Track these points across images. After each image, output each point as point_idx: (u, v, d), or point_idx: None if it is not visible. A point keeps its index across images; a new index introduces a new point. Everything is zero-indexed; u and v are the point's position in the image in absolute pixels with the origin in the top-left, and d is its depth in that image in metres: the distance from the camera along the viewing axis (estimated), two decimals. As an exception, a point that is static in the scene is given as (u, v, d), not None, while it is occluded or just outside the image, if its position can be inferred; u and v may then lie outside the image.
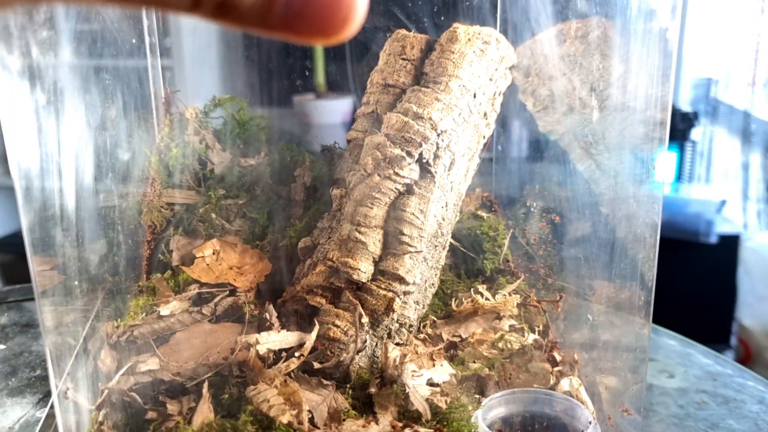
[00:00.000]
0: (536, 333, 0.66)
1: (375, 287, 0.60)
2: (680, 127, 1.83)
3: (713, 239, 1.75)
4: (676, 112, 1.81)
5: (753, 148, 1.72)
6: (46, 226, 0.50)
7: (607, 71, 0.67)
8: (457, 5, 0.74)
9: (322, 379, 0.55)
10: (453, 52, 0.63)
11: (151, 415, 0.52)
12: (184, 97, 0.79)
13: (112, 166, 0.65)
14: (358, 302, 0.59)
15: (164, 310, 0.63)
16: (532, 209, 0.80)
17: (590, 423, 0.55)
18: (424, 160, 0.61)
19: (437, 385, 0.58)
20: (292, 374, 0.55)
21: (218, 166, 0.75)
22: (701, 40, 1.80)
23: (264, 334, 0.58)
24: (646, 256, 0.60)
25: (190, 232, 0.73)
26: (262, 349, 0.56)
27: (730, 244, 1.76)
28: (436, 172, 0.62)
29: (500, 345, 0.63)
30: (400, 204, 0.61)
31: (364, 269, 0.60)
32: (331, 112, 1.06)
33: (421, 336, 0.64)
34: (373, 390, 0.56)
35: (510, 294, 0.68)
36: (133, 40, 0.72)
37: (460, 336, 0.65)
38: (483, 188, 0.84)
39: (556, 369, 0.61)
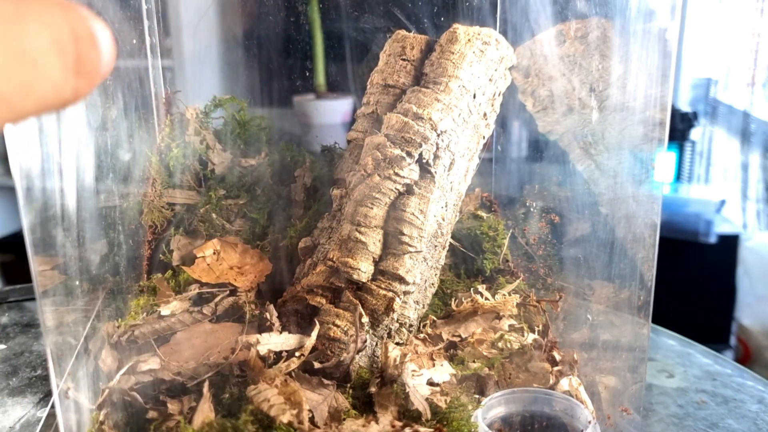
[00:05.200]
0: (536, 333, 0.66)
1: (375, 287, 0.60)
2: (680, 127, 1.83)
3: (713, 239, 1.75)
4: (675, 112, 1.81)
5: (752, 148, 1.72)
6: (47, 226, 0.50)
7: (607, 72, 0.67)
8: (457, 5, 0.74)
9: (322, 379, 0.56)
10: (453, 53, 0.63)
11: (151, 414, 0.53)
12: (184, 98, 0.79)
13: (113, 167, 0.65)
14: (358, 302, 0.60)
15: (165, 310, 0.63)
16: (531, 209, 0.80)
17: (590, 422, 0.55)
18: (424, 161, 0.61)
19: (437, 384, 0.59)
20: (293, 374, 0.55)
21: (219, 166, 0.75)
22: (701, 40, 1.80)
23: (265, 335, 0.58)
24: (646, 256, 0.60)
25: (191, 232, 0.73)
26: (262, 350, 0.56)
27: (730, 244, 1.76)
28: (436, 172, 0.62)
29: (500, 345, 0.63)
30: (400, 204, 0.61)
31: (364, 269, 0.60)
32: (331, 113, 1.07)
33: (421, 336, 0.64)
34: (373, 390, 0.56)
35: (510, 294, 0.68)
36: (134, 41, 0.72)
37: (460, 336, 0.65)
38: (483, 188, 0.84)
39: (555, 369, 0.61)
